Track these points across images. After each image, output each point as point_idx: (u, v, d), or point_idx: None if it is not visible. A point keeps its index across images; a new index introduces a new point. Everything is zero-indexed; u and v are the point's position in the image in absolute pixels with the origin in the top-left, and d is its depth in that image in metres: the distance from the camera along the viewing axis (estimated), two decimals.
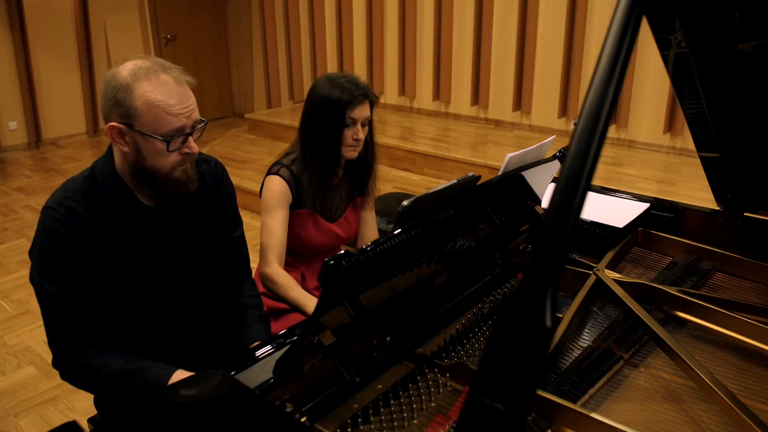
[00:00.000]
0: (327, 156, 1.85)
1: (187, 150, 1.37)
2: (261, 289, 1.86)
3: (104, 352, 1.39)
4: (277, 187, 1.83)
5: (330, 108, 1.79)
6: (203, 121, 1.39)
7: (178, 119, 1.32)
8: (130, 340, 1.48)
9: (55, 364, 1.42)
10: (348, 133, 1.82)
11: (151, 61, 1.34)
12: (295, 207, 1.88)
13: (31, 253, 1.40)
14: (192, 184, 1.42)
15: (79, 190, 1.38)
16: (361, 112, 1.81)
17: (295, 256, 1.97)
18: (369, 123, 1.88)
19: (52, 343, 1.39)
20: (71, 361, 1.39)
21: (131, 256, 1.42)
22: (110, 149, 1.42)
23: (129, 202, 1.41)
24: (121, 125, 1.32)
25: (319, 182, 1.87)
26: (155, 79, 1.30)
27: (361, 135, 1.83)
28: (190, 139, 1.37)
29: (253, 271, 1.80)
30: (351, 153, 1.86)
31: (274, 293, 1.83)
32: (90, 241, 1.36)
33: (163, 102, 1.30)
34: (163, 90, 1.30)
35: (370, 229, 2.10)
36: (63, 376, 1.43)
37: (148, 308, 1.47)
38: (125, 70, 1.31)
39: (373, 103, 1.85)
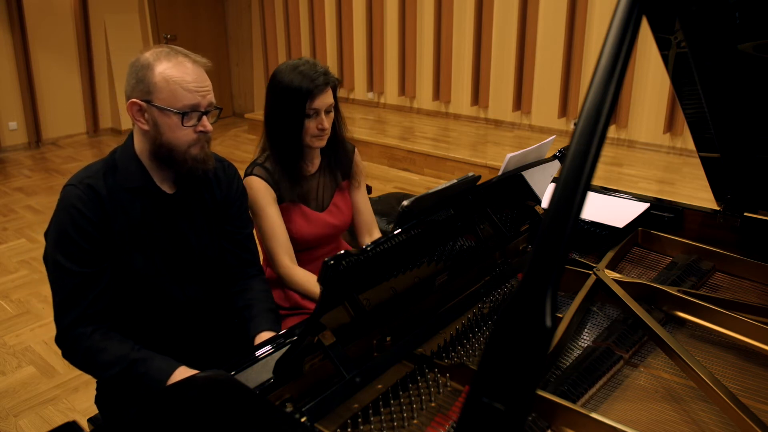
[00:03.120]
0: (292, 146, 1.81)
1: (201, 128, 1.44)
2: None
3: (110, 337, 1.42)
4: (257, 185, 1.80)
5: (291, 97, 1.74)
6: (218, 107, 1.49)
7: (193, 96, 1.41)
8: (136, 324, 1.51)
9: (59, 340, 1.44)
10: (311, 124, 1.77)
11: (171, 47, 1.45)
12: (278, 202, 1.84)
13: (47, 233, 1.44)
14: (210, 162, 1.50)
15: (99, 170, 1.46)
16: (323, 101, 1.75)
17: (295, 255, 1.92)
18: (335, 107, 1.82)
19: (58, 317, 1.42)
20: (76, 341, 1.41)
21: (142, 238, 1.48)
22: (131, 136, 1.50)
23: (146, 184, 1.48)
24: (141, 102, 1.41)
25: (293, 172, 1.83)
26: (174, 59, 1.41)
27: (326, 124, 1.78)
28: (205, 118, 1.44)
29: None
30: (318, 142, 1.81)
31: (299, 292, 1.81)
32: (106, 218, 1.43)
33: (179, 78, 1.40)
34: (181, 68, 1.41)
35: (364, 213, 2.03)
36: (65, 355, 1.45)
37: (154, 292, 1.50)
38: (148, 53, 1.43)
39: (335, 87, 1.79)
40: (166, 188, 1.51)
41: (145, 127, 1.43)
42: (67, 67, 6.55)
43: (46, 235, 1.44)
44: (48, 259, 1.43)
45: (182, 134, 1.42)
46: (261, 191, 1.80)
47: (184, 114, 1.40)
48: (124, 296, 1.48)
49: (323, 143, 1.83)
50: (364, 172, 2.05)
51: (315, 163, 1.91)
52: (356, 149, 2.03)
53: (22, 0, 6.01)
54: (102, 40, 6.71)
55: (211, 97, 1.45)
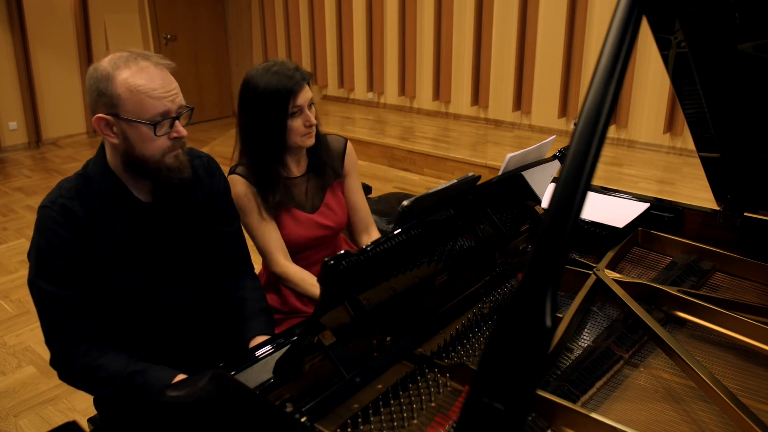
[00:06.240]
0: (274, 150, 1.78)
1: (175, 134, 1.36)
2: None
3: (105, 353, 1.39)
4: (241, 187, 1.77)
5: (272, 100, 1.70)
6: (189, 107, 1.39)
7: (161, 103, 1.32)
8: (130, 337, 1.48)
9: (53, 363, 1.42)
10: (297, 123, 1.74)
11: (129, 51, 1.35)
12: (265, 205, 1.80)
13: (29, 255, 1.40)
14: (186, 170, 1.42)
15: (72, 188, 1.39)
16: (305, 96, 1.74)
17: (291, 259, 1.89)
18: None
19: (49, 341, 1.39)
20: (70, 362, 1.38)
21: (127, 252, 1.43)
22: (102, 147, 1.43)
23: (123, 197, 1.41)
24: (107, 116, 1.32)
25: (274, 177, 1.79)
26: (135, 66, 1.31)
27: (313, 119, 1.76)
28: (177, 123, 1.36)
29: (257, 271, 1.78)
30: (308, 140, 1.78)
31: (294, 291, 1.80)
32: (85, 237, 1.37)
33: (144, 86, 1.30)
34: (144, 75, 1.31)
35: (360, 211, 1.98)
36: (61, 376, 1.43)
37: (145, 304, 1.47)
38: (105, 61, 1.33)
39: (309, 82, 1.78)
40: (144, 197, 1.44)
41: (115, 141, 1.35)
42: (67, 67, 6.55)
43: (29, 257, 1.39)
44: (32, 284, 1.38)
45: (156, 144, 1.34)
46: (245, 191, 1.77)
47: (155, 124, 1.32)
48: (115, 311, 1.45)
49: (313, 140, 1.79)
50: (356, 166, 1.98)
51: (302, 164, 1.87)
52: (348, 142, 1.97)
53: (22, 0, 6.01)
54: (102, 40, 6.71)
55: (180, 99, 1.36)
